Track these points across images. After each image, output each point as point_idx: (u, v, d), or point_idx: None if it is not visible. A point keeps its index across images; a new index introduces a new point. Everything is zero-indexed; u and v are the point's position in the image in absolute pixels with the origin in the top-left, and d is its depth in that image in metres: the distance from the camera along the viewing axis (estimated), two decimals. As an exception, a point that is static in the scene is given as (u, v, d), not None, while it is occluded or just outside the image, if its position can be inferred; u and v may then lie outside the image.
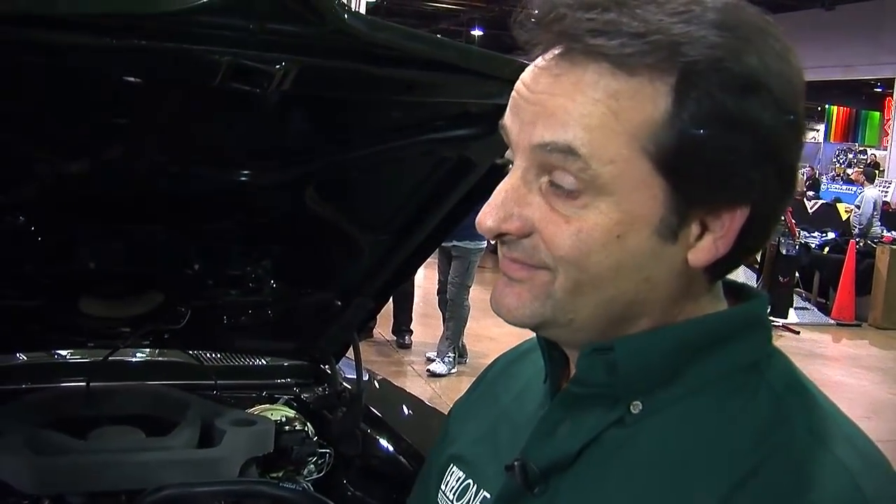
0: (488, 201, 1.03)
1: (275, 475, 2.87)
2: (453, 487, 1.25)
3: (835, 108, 29.80)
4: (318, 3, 1.62)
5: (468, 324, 9.04)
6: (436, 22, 30.24)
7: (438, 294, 9.04)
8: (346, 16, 1.65)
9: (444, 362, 8.87)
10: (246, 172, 2.21)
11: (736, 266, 1.05)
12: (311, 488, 2.75)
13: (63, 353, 3.25)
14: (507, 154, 1.05)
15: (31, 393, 2.88)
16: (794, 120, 0.98)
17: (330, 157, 2.23)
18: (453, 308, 8.84)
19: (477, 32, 29.60)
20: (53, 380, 3.05)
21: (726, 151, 0.95)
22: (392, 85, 1.95)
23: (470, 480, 1.23)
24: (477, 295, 8.95)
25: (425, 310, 9.17)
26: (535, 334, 1.14)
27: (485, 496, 1.18)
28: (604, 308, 1.02)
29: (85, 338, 2.98)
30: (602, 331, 1.04)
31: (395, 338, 9.66)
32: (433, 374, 8.81)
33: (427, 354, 9.22)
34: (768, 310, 1.13)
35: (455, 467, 1.27)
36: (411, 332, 9.72)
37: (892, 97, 21.92)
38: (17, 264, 2.48)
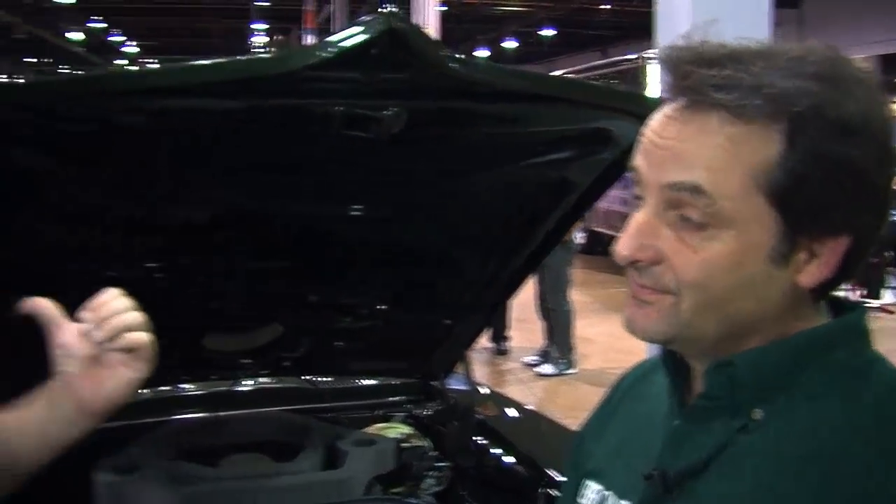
0: (623, 233, 1.16)
1: (397, 491, 2.96)
2: (592, 499, 1.35)
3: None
4: (423, 52, 1.74)
5: (565, 326, 9.12)
6: (506, 25, 30.26)
7: (537, 301, 9.11)
8: (448, 61, 1.78)
9: (554, 365, 9.01)
10: (359, 207, 2.34)
11: (837, 285, 1.15)
12: (435, 502, 2.85)
13: (186, 386, 3.38)
14: (636, 191, 1.15)
15: (161, 426, 3.02)
16: (889, 155, 1.09)
17: (436, 187, 2.34)
18: (554, 315, 8.99)
19: (548, 32, 29.53)
20: (179, 412, 3.19)
21: (829, 187, 1.07)
22: (493, 119, 2.06)
23: (608, 492, 1.32)
24: (573, 297, 9.03)
25: (522, 315, 9.23)
26: (645, 355, 1.26)
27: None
28: (724, 325, 1.14)
29: (208, 371, 3.13)
30: (721, 345, 1.15)
31: (493, 345, 9.73)
32: (541, 375, 8.94)
33: (524, 360, 9.29)
34: (866, 320, 1.21)
35: (590, 482, 1.37)
36: (508, 338, 9.80)
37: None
38: (147, 307, 2.61)
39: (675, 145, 1.11)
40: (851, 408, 1.10)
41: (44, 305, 1.50)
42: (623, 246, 1.15)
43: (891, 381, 1.14)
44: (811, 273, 1.11)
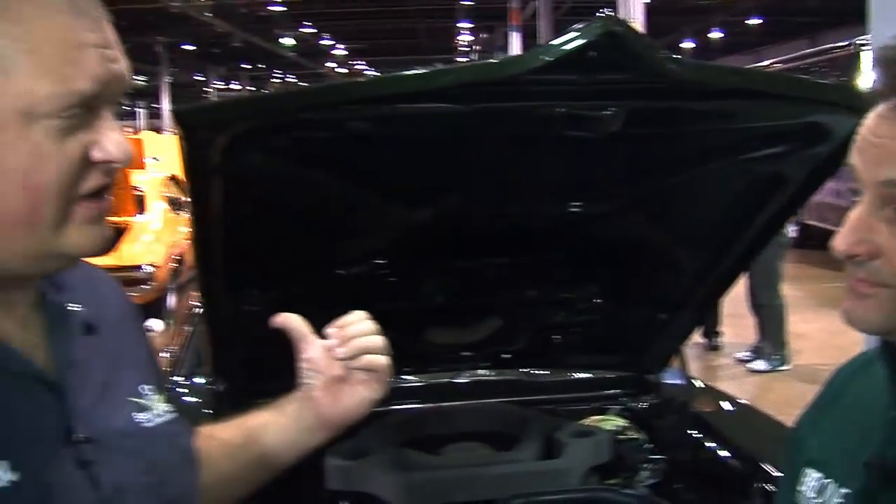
0: (841, 228, 1.18)
1: (612, 482, 3.01)
2: (812, 487, 1.37)
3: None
4: (641, 54, 1.81)
5: (779, 322, 8.97)
6: (712, 15, 29.73)
7: (749, 296, 8.97)
8: (665, 62, 1.84)
9: (767, 360, 8.85)
10: (576, 204, 2.42)
11: None
12: (650, 493, 2.90)
13: (409, 378, 3.52)
14: (854, 186, 1.19)
15: (388, 414, 3.17)
16: None
17: (651, 185, 2.40)
18: (766, 311, 8.85)
19: (754, 21, 28.83)
20: (404, 402, 3.33)
21: None
22: (709, 116, 2.10)
23: (827, 480, 1.35)
24: (784, 292, 8.86)
25: (734, 310, 9.09)
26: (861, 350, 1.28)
27: (844, 492, 1.30)
28: None
29: (430, 364, 3.26)
30: None
31: (705, 340, 9.64)
32: (754, 371, 8.82)
33: (736, 355, 9.16)
34: None
35: (810, 470, 1.40)
36: (720, 333, 9.69)
37: None
38: (373, 302, 2.75)
39: (888, 143, 1.12)
40: None
41: (294, 321, 1.61)
42: (841, 241, 1.17)
43: None
44: None
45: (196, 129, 1.88)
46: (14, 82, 1.04)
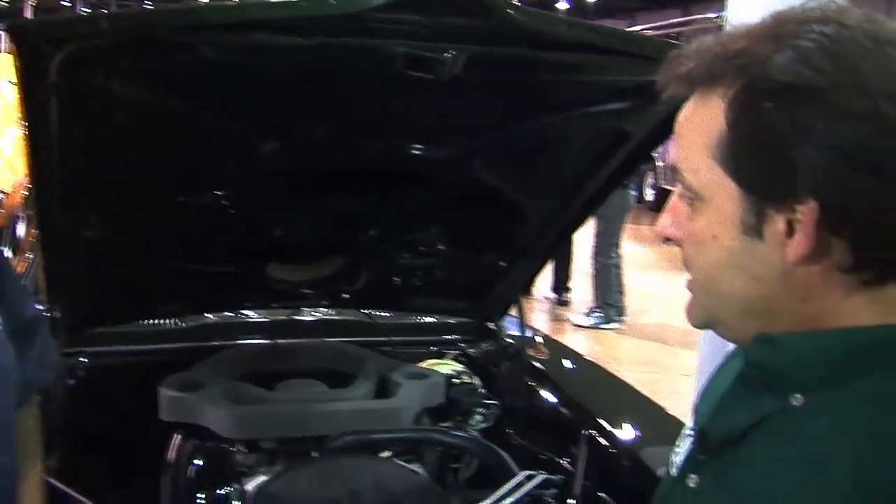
0: None
1: (445, 425, 3.06)
2: (683, 434, 1.37)
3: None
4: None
5: (626, 280, 9.17)
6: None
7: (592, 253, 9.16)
8: (509, 8, 1.85)
9: (589, 316, 9.08)
10: (420, 147, 2.42)
11: (882, 271, 1.07)
12: (479, 436, 2.95)
13: (248, 313, 3.52)
14: None
15: (225, 349, 3.16)
16: (860, 114, 1.00)
17: (496, 132, 2.42)
18: (595, 266, 9.05)
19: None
20: (243, 337, 3.33)
21: (774, 152, 1.03)
22: (552, 67, 2.13)
23: (690, 432, 1.34)
24: (636, 252, 9.06)
25: (585, 267, 9.27)
26: None
27: (688, 449, 1.31)
28: (730, 305, 1.14)
29: (270, 299, 3.26)
30: (751, 329, 1.14)
31: (554, 295, 9.81)
32: (577, 326, 9.05)
33: (583, 311, 9.35)
34: None
35: (690, 421, 1.39)
36: (570, 289, 9.86)
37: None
38: (215, 234, 2.73)
39: (679, 128, 1.13)
40: (891, 425, 1.03)
41: None
42: (658, 223, 1.19)
43: None
44: (794, 247, 1.05)
45: (33, 45, 1.82)
46: None
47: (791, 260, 1.06)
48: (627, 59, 2.09)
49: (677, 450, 1.36)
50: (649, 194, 16.88)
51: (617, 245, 9.02)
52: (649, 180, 16.68)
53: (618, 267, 9.05)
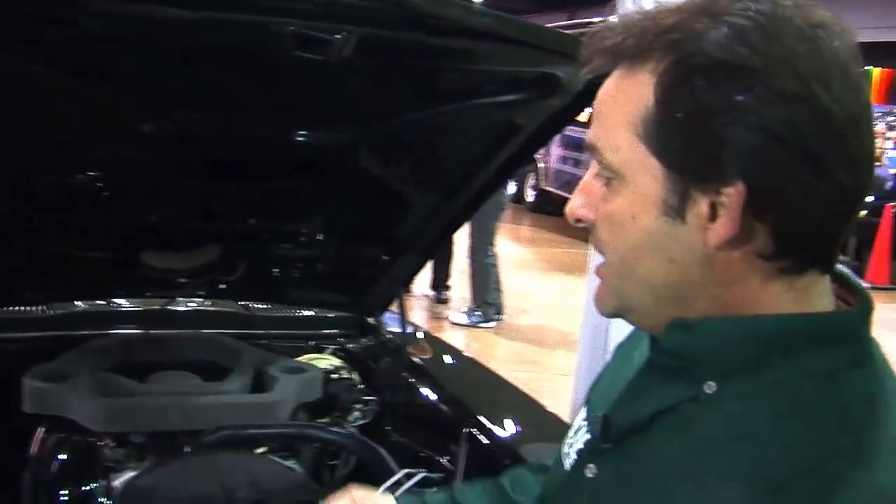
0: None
1: (323, 421, 2.99)
2: (576, 425, 1.35)
3: (876, 70, 29.31)
4: None
5: (505, 280, 9.19)
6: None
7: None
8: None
9: (466, 314, 9.10)
10: (305, 133, 2.35)
11: (801, 259, 1.05)
12: (357, 432, 2.89)
13: (121, 302, 3.40)
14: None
15: (94, 339, 3.03)
16: (792, 96, 0.97)
17: (385, 120, 2.35)
18: (476, 267, 9.06)
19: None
20: (114, 327, 3.20)
21: (703, 131, 1.00)
22: (446, 54, 2.07)
23: (585, 422, 1.32)
24: (515, 253, 9.11)
25: (464, 266, 9.29)
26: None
27: (586, 438, 1.28)
28: (645, 290, 1.10)
29: (144, 288, 3.14)
30: (665, 315, 1.11)
31: (433, 293, 9.80)
32: (454, 324, 9.04)
33: (463, 310, 9.35)
34: (868, 318, 1.10)
35: (585, 407, 1.37)
36: (449, 287, 9.86)
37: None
38: (86, 218, 2.62)
39: (598, 105, 1.10)
40: (803, 413, 1.02)
41: None
42: (569, 204, 1.14)
43: (865, 394, 1.05)
44: (716, 230, 1.02)
45: None
46: None
47: (713, 244, 1.03)
48: (526, 50, 2.05)
49: (570, 441, 1.33)
50: (530, 195, 17.01)
51: (492, 244, 9.04)
52: (530, 181, 16.80)
53: (494, 266, 9.07)
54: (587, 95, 2.31)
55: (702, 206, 1.03)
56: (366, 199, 2.76)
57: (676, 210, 1.04)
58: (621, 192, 1.07)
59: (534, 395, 3.20)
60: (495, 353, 8.25)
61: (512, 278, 9.62)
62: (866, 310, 1.11)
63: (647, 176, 1.05)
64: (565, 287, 10.45)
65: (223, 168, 2.50)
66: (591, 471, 1.21)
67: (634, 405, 1.16)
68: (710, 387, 1.07)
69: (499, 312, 9.11)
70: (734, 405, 1.06)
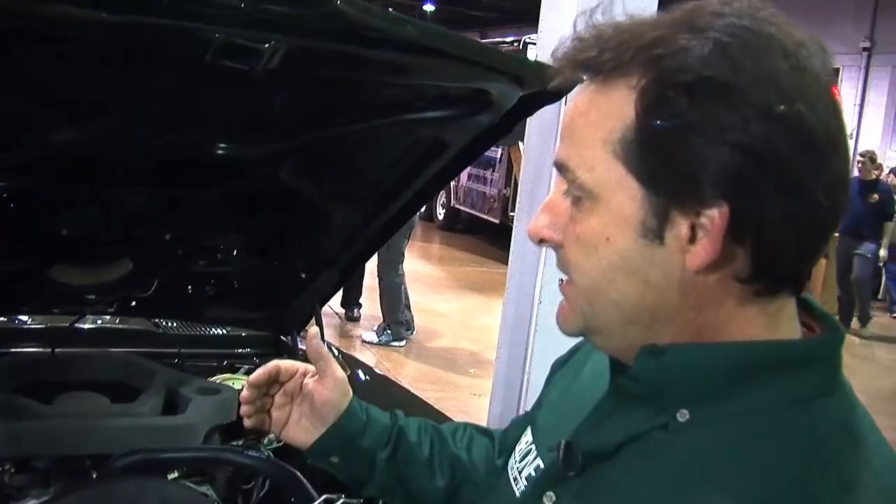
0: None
1: (237, 443, 2.89)
2: (521, 449, 1.31)
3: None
4: None
5: (415, 298, 9.17)
6: (388, -5, 30.06)
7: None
8: (338, 1, 1.71)
9: (376, 333, 9.12)
10: (224, 146, 2.26)
11: (775, 282, 1.03)
12: (273, 456, 2.80)
13: (25, 318, 3.27)
14: None
15: None
16: (777, 115, 0.94)
17: (310, 133, 2.28)
18: (385, 286, 9.06)
19: (429, 7, 29.51)
20: (17, 345, 3.07)
21: (685, 150, 0.96)
22: (378, 66, 2.00)
23: (534, 446, 1.28)
24: (425, 271, 9.10)
25: (375, 283, 9.25)
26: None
27: (538, 465, 1.24)
28: (615, 313, 1.06)
29: (51, 304, 3.01)
30: (633, 339, 1.07)
31: (343, 310, 9.72)
32: (365, 342, 9.06)
33: (374, 328, 9.31)
34: (839, 347, 1.09)
35: (530, 429, 1.33)
36: (360, 305, 9.79)
37: (836, 86, 22.19)
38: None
39: (567, 120, 1.06)
40: (779, 442, 1.00)
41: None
42: (531, 223, 1.09)
43: (841, 421, 1.04)
44: (696, 253, 0.99)
45: None
46: None
47: (693, 267, 1.00)
48: (458, 65, 1.99)
49: (517, 465, 1.29)
50: (440, 213, 17.03)
51: (401, 262, 9.06)
52: (441, 199, 16.82)
53: (403, 284, 9.08)
54: (517, 113, 2.27)
55: (681, 227, 0.99)
56: (286, 214, 2.69)
57: (655, 232, 1.00)
58: (595, 213, 1.03)
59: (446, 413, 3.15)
60: (406, 372, 8.22)
61: (422, 297, 9.62)
62: (838, 338, 1.09)
63: (623, 196, 1.01)
64: (475, 306, 10.47)
65: (138, 179, 2.41)
66: (549, 499, 1.16)
67: (601, 431, 1.11)
68: (682, 415, 1.04)
69: (409, 329, 9.09)
70: (705, 433, 1.03)
